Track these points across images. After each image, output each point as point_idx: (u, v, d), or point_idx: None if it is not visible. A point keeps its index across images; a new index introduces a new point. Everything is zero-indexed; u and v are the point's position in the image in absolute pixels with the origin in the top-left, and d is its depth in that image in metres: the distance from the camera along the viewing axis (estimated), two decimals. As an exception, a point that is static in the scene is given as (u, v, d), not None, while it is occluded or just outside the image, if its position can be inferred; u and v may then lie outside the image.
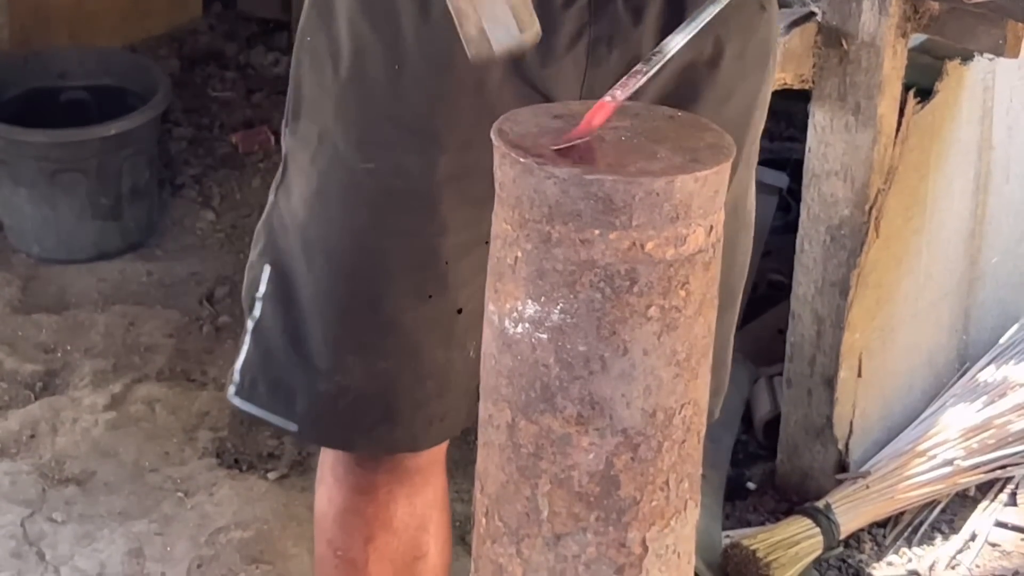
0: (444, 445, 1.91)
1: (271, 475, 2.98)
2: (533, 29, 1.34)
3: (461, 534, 2.61)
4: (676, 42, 1.41)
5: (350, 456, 1.89)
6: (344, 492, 1.91)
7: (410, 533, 1.94)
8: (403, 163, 1.67)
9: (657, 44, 1.53)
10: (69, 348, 3.35)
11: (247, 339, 1.85)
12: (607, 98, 1.34)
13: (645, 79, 1.37)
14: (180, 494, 2.93)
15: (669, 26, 1.61)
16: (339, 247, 1.73)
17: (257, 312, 1.83)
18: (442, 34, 1.60)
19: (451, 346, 1.77)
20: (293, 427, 1.84)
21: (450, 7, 1.34)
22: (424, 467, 1.90)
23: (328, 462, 1.93)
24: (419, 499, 1.92)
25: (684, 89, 1.67)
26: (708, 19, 1.44)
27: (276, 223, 1.80)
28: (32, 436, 3.07)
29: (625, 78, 1.36)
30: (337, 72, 1.69)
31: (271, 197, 1.81)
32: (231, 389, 1.88)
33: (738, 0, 1.66)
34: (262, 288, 1.82)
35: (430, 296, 1.73)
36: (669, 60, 1.41)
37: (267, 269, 1.81)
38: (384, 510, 1.91)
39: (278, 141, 4.12)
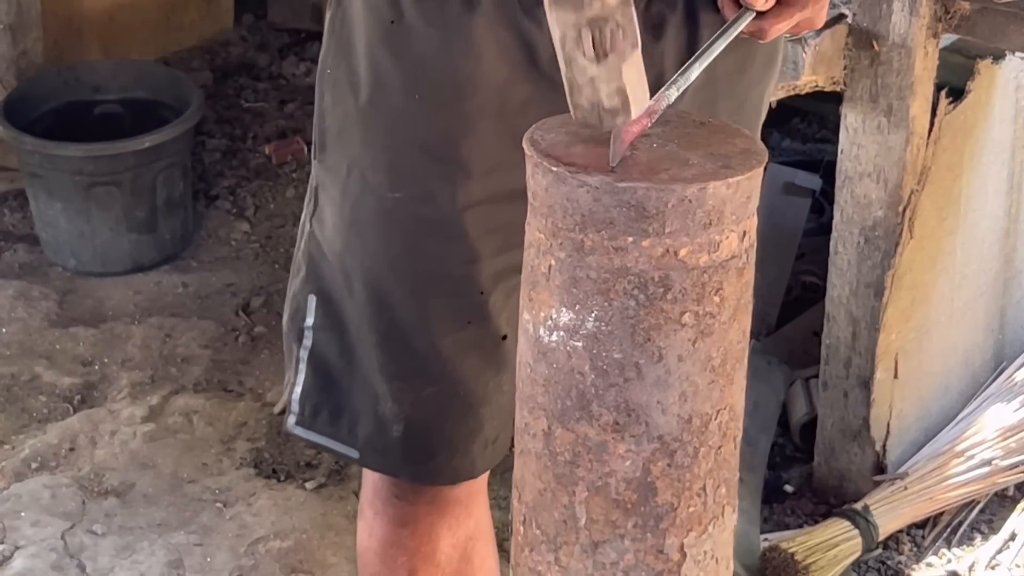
0: (484, 478, 1.90)
1: (309, 485, 2.99)
2: (643, 104, 1.34)
3: (499, 541, 2.61)
4: (695, 71, 1.42)
5: (389, 489, 1.88)
6: (385, 525, 1.90)
7: (453, 566, 1.93)
8: (430, 190, 1.67)
9: (677, 59, 1.55)
10: (106, 360, 3.36)
11: (302, 368, 1.83)
12: (644, 120, 1.34)
13: (670, 103, 1.37)
14: (219, 505, 2.94)
15: (688, 41, 1.62)
16: (376, 275, 1.73)
17: (309, 341, 1.81)
18: (464, 61, 1.60)
19: (499, 370, 1.76)
20: (355, 454, 1.83)
21: (563, 77, 1.34)
22: (464, 498, 1.89)
23: (367, 496, 1.92)
24: (461, 531, 1.91)
25: (703, 105, 1.67)
26: (723, 46, 1.44)
27: (315, 252, 1.79)
28: (71, 449, 3.08)
29: (652, 101, 1.37)
30: (359, 102, 1.68)
31: (306, 227, 1.81)
32: (291, 420, 1.86)
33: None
34: (310, 318, 1.81)
35: (469, 323, 1.72)
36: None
37: (312, 299, 1.80)
38: (426, 543, 1.89)
39: (311, 151, 4.16)
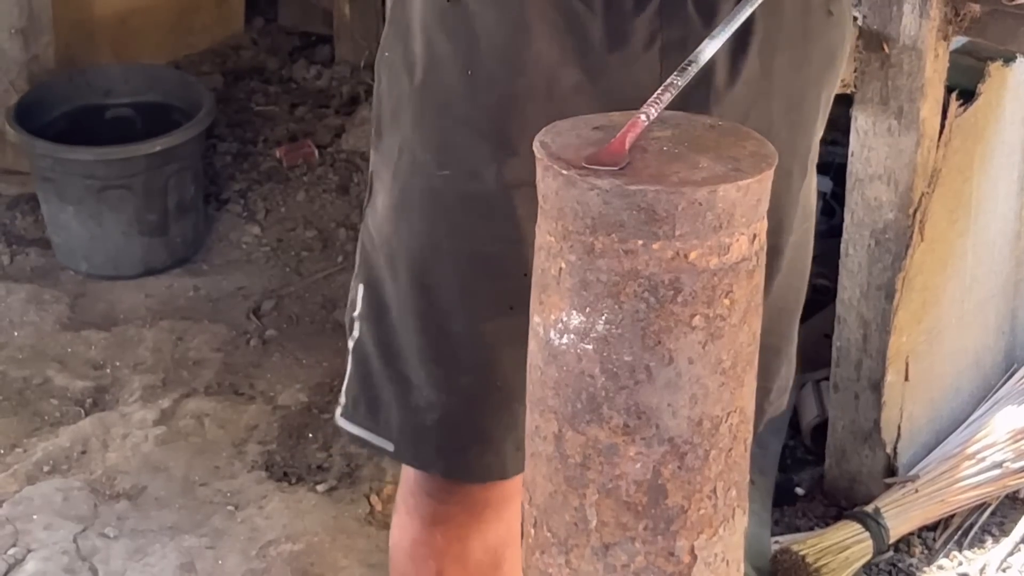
0: (518, 484, 1.89)
1: (320, 487, 2.99)
2: None
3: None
4: (709, 50, 1.41)
5: (422, 486, 1.87)
6: (416, 523, 1.90)
7: (482, 570, 1.91)
8: (478, 169, 1.67)
9: (727, 46, 1.52)
10: (118, 364, 3.37)
11: (350, 359, 1.84)
12: (641, 116, 1.34)
13: (678, 92, 1.37)
14: (230, 508, 2.95)
15: (739, 28, 1.61)
16: (419, 256, 1.73)
17: (356, 332, 1.82)
18: (516, 40, 1.60)
19: None
20: (389, 447, 1.83)
21: None
22: (496, 502, 1.87)
23: (402, 493, 1.91)
24: (491, 534, 1.90)
25: (758, 98, 1.67)
26: (737, 25, 1.44)
27: (367, 242, 1.80)
28: (83, 452, 3.09)
29: (658, 92, 1.36)
30: (413, 82, 1.69)
31: (364, 218, 1.82)
32: (338, 411, 1.87)
33: (804, 7, 1.67)
34: (358, 307, 1.81)
35: (511, 308, 1.70)
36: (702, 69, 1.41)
37: (360, 289, 1.81)
38: (456, 543, 1.89)
39: (322, 155, 4.17)
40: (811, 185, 1.83)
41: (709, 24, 1.61)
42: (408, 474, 1.90)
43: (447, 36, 1.65)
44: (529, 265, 1.68)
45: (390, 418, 1.81)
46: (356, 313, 1.82)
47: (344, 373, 1.87)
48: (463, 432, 1.80)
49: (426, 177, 1.70)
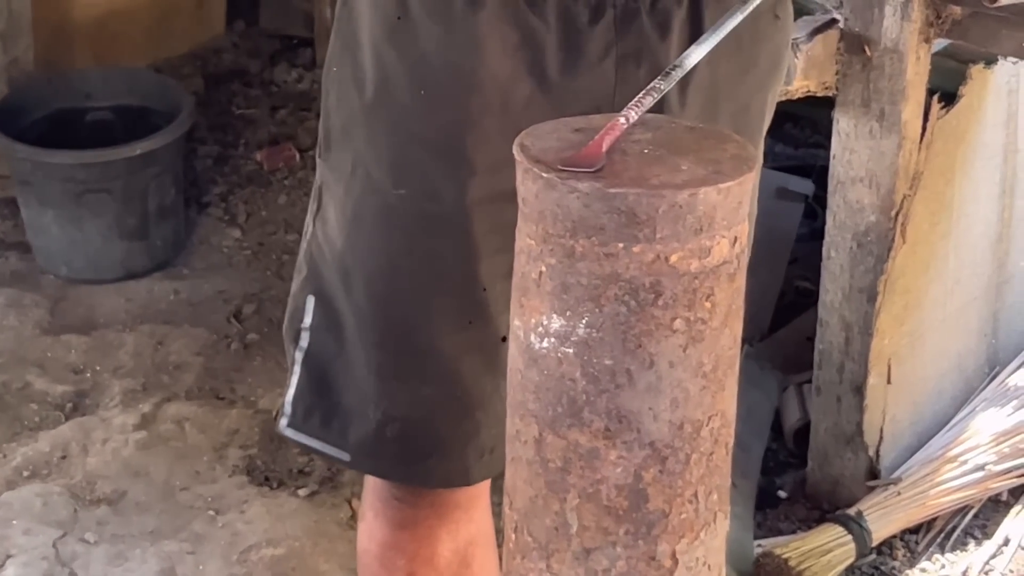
0: (486, 483, 1.89)
1: (301, 492, 2.99)
2: None
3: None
4: (695, 56, 1.41)
5: (389, 491, 1.86)
6: (384, 527, 1.89)
7: (453, 570, 1.91)
8: (434, 187, 1.66)
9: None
10: (98, 368, 3.36)
11: (297, 369, 1.82)
12: (620, 119, 1.34)
13: (660, 96, 1.36)
14: (211, 512, 2.94)
15: (694, 39, 1.61)
16: (376, 273, 1.72)
17: (305, 343, 1.80)
18: (468, 57, 1.60)
19: (497, 375, 1.73)
20: (346, 457, 1.82)
21: None
22: (465, 503, 1.88)
23: (368, 498, 1.91)
24: (461, 535, 1.90)
25: (705, 106, 1.67)
26: (725, 33, 1.43)
27: (316, 253, 1.79)
28: (63, 457, 3.08)
29: (640, 95, 1.36)
30: (363, 99, 1.68)
31: (309, 227, 1.81)
32: (283, 422, 1.85)
33: (752, 11, 1.67)
34: (307, 319, 1.80)
35: (470, 322, 1.71)
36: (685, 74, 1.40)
37: (311, 300, 1.79)
38: (426, 546, 1.88)
39: (303, 158, 4.16)
40: (756, 187, 1.83)
41: (664, 37, 1.62)
42: (374, 480, 1.89)
43: (397, 53, 1.64)
44: (486, 282, 1.69)
45: (347, 428, 1.80)
46: (306, 324, 1.80)
47: (287, 383, 1.85)
48: (423, 442, 1.79)
49: (381, 195, 1.69)
